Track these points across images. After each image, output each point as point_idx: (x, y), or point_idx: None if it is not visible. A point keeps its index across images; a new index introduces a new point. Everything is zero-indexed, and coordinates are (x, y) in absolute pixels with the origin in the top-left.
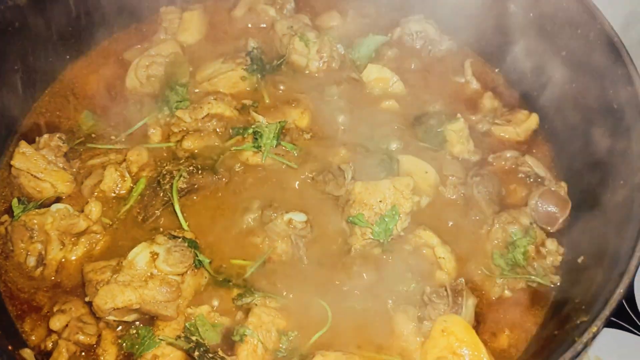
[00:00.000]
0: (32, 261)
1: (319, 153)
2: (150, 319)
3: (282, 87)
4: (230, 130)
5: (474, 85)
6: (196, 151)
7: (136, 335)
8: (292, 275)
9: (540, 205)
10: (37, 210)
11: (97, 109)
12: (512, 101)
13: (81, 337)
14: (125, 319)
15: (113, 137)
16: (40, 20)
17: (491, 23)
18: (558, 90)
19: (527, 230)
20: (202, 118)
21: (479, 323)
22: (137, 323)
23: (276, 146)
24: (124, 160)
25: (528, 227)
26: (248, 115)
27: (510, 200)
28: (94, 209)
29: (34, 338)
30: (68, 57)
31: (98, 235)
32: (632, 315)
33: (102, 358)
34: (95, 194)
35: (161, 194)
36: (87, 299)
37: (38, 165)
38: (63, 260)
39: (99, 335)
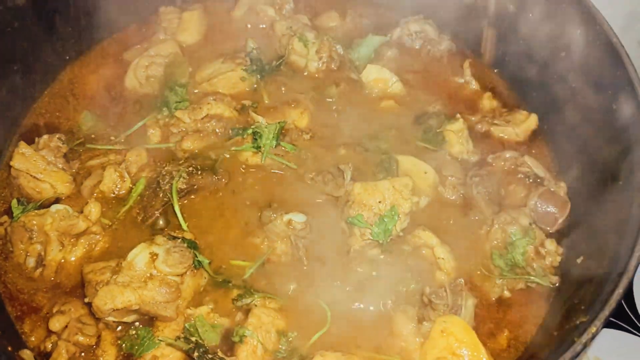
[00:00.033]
0: (31, 262)
1: (318, 153)
2: (150, 320)
3: (281, 88)
4: (230, 131)
5: (473, 85)
6: (196, 152)
7: (136, 336)
8: (292, 276)
9: (539, 205)
10: (36, 211)
11: (97, 109)
12: (511, 101)
13: (81, 338)
14: (125, 319)
15: (112, 138)
16: (40, 20)
17: (490, 23)
18: (557, 90)
19: (527, 231)
20: (202, 118)
21: (478, 323)
22: (137, 324)
23: (275, 147)
24: (124, 160)
25: (527, 228)
26: (247, 116)
27: (510, 201)
28: (94, 209)
29: (33, 339)
30: (67, 57)
31: (97, 236)
32: (631, 316)
33: (101, 359)
34: (95, 194)
35: (161, 195)
36: (86, 300)
37: (37, 166)
38: (62, 261)
39: (99, 336)
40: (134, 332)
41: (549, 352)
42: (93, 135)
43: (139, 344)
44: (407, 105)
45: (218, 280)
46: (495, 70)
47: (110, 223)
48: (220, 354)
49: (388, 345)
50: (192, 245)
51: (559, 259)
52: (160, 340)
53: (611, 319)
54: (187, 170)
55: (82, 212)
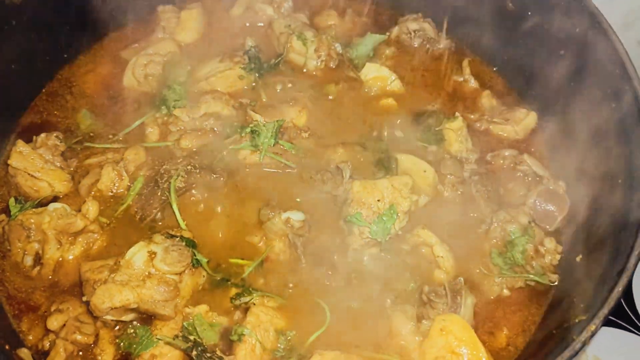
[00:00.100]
0: (29, 261)
1: (316, 152)
2: (148, 319)
3: (280, 86)
4: (228, 129)
5: (472, 83)
6: (194, 150)
7: (134, 334)
8: (290, 275)
9: (538, 204)
10: (34, 209)
11: (95, 108)
12: (511, 100)
13: (79, 337)
14: (123, 318)
15: (110, 136)
16: (37, 19)
17: (489, 21)
18: (556, 89)
19: (526, 229)
20: (200, 117)
21: (477, 322)
22: (135, 322)
23: (274, 145)
24: (122, 159)
25: (526, 226)
26: (246, 114)
27: (509, 199)
28: (91, 208)
29: (31, 338)
30: (65, 56)
31: (95, 235)
32: (631, 314)
33: (99, 357)
34: (93, 193)
35: (159, 193)
36: (84, 299)
37: (35, 165)
38: (60, 259)
39: (97, 335)
40: (132, 330)
41: (548, 350)
42: (91, 134)
43: (137, 342)
44: (406, 103)
45: (216, 278)
46: (495, 69)
47: (108, 222)
48: (218, 352)
49: (387, 344)
50: (191, 243)
51: (558, 257)
52: (159, 339)
53: (610, 317)
54: (185, 168)
55: (80, 210)
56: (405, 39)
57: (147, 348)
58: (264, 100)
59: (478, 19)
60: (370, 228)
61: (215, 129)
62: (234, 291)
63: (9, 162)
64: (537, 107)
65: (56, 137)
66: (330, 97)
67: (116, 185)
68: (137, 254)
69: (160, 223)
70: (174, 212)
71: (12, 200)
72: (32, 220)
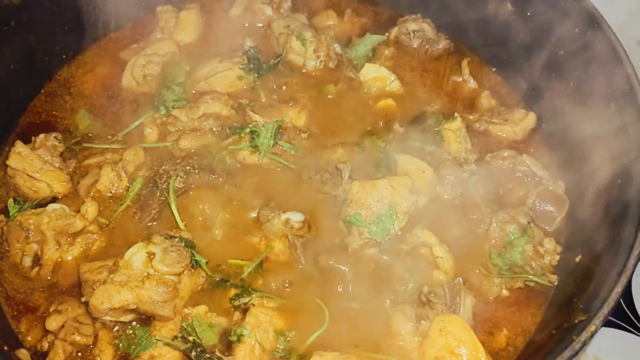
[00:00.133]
0: (28, 261)
1: (316, 152)
2: (147, 319)
3: (279, 87)
4: (227, 130)
5: (471, 84)
6: (193, 151)
7: (133, 335)
8: (290, 275)
9: (537, 204)
10: (33, 210)
11: (94, 108)
12: (510, 100)
13: (77, 338)
14: (122, 319)
15: (109, 137)
16: (36, 19)
17: (489, 22)
18: (555, 89)
19: (525, 230)
20: (199, 117)
21: (477, 322)
22: (134, 323)
23: (273, 145)
24: (121, 159)
25: (526, 227)
26: (245, 115)
27: (508, 200)
28: (90, 208)
29: (30, 338)
30: (64, 56)
31: (94, 235)
32: (630, 315)
33: (98, 358)
34: (92, 193)
35: (158, 194)
36: (83, 299)
37: (34, 165)
38: (59, 260)
39: (96, 336)
40: (131, 331)
41: (547, 350)
42: (90, 134)
43: (136, 343)
44: (405, 104)
45: (215, 279)
46: (494, 69)
47: (107, 222)
48: (217, 353)
49: (386, 344)
50: (190, 244)
51: (557, 257)
52: (158, 340)
53: (610, 318)
54: (184, 169)
55: (78, 211)
56: (405, 39)
57: (146, 349)
58: (263, 100)
59: (478, 19)
60: (370, 228)
61: (214, 129)
62: (233, 292)
63: (8, 162)
64: (536, 107)
65: (55, 137)
66: (330, 98)
67: (115, 185)
68: (136, 255)
69: (159, 224)
70: (172, 213)
71: (10, 201)
72: (31, 221)
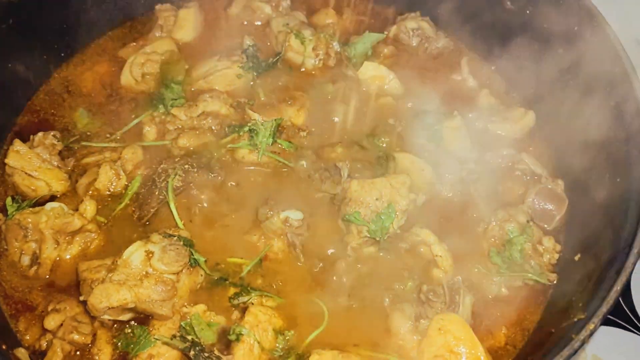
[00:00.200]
0: (26, 260)
1: (315, 151)
2: (146, 318)
3: (278, 85)
4: (226, 128)
5: (470, 82)
6: (192, 149)
7: (131, 334)
8: (289, 274)
9: (537, 202)
10: (31, 208)
11: (92, 107)
12: (509, 99)
13: (76, 337)
14: (121, 318)
15: (108, 135)
16: (35, 17)
17: (488, 20)
18: (555, 88)
19: (524, 228)
20: (198, 116)
21: (476, 321)
22: (132, 322)
23: (272, 144)
24: (119, 158)
25: (525, 225)
26: (244, 113)
27: (507, 198)
28: (89, 207)
29: (28, 337)
30: (63, 54)
31: (93, 234)
32: (629, 313)
33: (97, 357)
34: (90, 192)
35: (156, 192)
36: (81, 298)
37: (32, 164)
38: (57, 259)
39: (94, 335)
40: (129, 330)
41: (546, 349)
42: (88, 133)
43: (135, 342)
44: (405, 102)
45: (214, 278)
46: (493, 67)
47: (105, 221)
48: (216, 352)
49: (385, 343)
50: (188, 243)
51: (556, 256)
52: (156, 339)
53: (609, 316)
54: (183, 167)
55: (77, 210)
56: (404, 37)
57: (145, 348)
58: (262, 99)
59: (477, 17)
60: (369, 227)
61: (213, 127)
62: (232, 290)
63: (6, 161)
64: (536, 106)
65: (53, 136)
66: (329, 96)
67: (114, 184)
68: (135, 254)
69: (157, 222)
70: (171, 211)
71: (9, 200)
72: (30, 220)
